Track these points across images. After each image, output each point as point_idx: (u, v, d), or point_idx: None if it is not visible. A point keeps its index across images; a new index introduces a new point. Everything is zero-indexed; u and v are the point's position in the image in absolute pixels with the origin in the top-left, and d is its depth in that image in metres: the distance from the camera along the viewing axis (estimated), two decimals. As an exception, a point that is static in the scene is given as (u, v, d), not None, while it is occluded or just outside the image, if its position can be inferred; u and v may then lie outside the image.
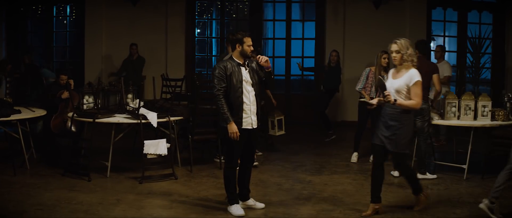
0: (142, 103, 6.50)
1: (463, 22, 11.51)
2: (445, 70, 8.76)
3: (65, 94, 7.06)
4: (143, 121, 6.19)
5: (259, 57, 4.99)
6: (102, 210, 5.14)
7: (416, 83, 4.85)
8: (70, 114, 6.67)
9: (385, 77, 6.78)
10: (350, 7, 11.01)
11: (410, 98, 4.87)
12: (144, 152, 6.06)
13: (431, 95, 6.83)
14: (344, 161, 7.49)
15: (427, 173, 6.59)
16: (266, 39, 12.99)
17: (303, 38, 11.45)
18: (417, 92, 4.85)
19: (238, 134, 4.85)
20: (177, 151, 6.96)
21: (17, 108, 6.84)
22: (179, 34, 11.10)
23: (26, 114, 6.76)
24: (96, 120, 6.22)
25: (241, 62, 5.00)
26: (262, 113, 5.16)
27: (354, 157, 7.45)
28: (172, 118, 6.47)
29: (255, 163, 6.44)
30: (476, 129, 6.58)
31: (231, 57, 5.05)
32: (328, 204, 5.42)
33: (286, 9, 11.47)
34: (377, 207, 5.10)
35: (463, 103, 6.63)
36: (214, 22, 13.00)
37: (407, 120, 4.92)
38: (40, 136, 7.51)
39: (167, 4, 11.02)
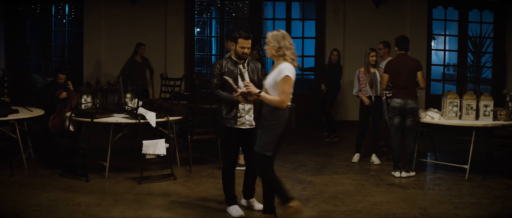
0: (140, 103, 6.44)
1: (464, 21, 11.45)
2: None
3: (63, 95, 7.01)
4: (141, 121, 6.13)
5: (246, 85, 4.53)
6: (100, 211, 5.08)
7: (283, 78, 4.27)
8: (68, 114, 6.61)
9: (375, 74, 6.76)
10: (350, 6, 10.97)
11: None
12: (143, 152, 6.00)
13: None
14: (345, 161, 7.43)
15: (411, 171, 6.56)
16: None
17: (303, 37, 11.40)
18: (283, 89, 4.27)
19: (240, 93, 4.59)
20: (176, 151, 6.90)
21: (15, 108, 6.79)
22: (179, 33, 11.04)
23: (23, 114, 6.70)
24: (94, 120, 6.16)
25: (238, 61, 4.94)
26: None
27: (356, 158, 7.39)
28: (171, 118, 6.41)
29: None
30: (477, 129, 6.52)
31: (230, 56, 5.01)
32: (329, 205, 5.36)
33: (286, 8, 11.43)
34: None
35: (464, 103, 6.58)
36: (213, 21, 12.96)
37: (275, 120, 4.37)
38: (38, 136, 7.46)
39: (166, 3, 10.97)
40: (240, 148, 5.19)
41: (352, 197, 5.65)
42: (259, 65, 5.02)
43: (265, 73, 4.88)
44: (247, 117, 4.94)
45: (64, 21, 11.82)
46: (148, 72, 9.89)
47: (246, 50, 4.85)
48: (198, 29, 12.57)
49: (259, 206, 5.15)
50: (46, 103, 7.23)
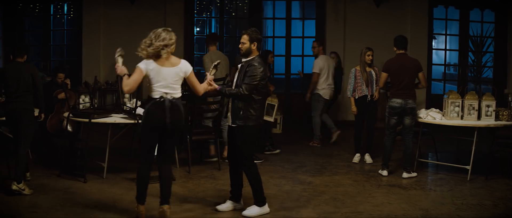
0: (139, 103, 6.38)
1: (465, 20, 11.39)
2: (315, 66, 8.66)
3: (62, 95, 6.94)
4: (140, 121, 6.05)
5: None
6: (98, 212, 5.02)
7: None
8: (66, 114, 6.55)
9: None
10: (351, 5, 10.91)
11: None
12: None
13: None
14: (345, 162, 7.37)
15: (412, 172, 6.51)
16: (266, 38, 12.89)
17: (303, 37, 11.34)
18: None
19: None
20: (175, 152, 6.83)
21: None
22: (178, 32, 10.73)
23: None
24: (92, 120, 6.09)
25: (242, 60, 5.00)
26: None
27: (356, 158, 7.33)
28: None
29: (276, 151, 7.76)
30: (479, 129, 6.46)
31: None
32: (329, 206, 5.29)
33: (286, 7, 11.36)
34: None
35: (466, 103, 6.52)
36: (213, 21, 12.88)
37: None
38: (36, 136, 7.38)
39: (165, 3, 10.91)
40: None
41: (353, 198, 5.58)
42: (253, 68, 4.83)
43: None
44: (230, 115, 5.01)
45: (63, 20, 11.76)
46: None
47: (240, 46, 4.96)
48: (198, 29, 12.51)
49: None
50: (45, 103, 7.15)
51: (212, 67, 5.04)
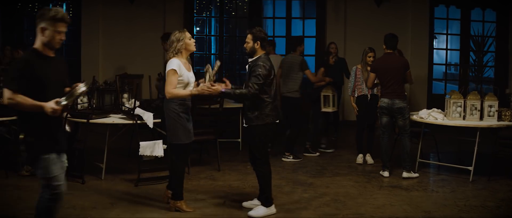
0: (138, 103, 6.31)
1: (466, 20, 11.33)
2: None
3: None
4: (138, 122, 6.00)
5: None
6: (96, 214, 4.96)
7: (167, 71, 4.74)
8: (64, 114, 6.46)
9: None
10: (351, 5, 10.85)
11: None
12: (140, 153, 5.85)
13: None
14: (346, 162, 7.30)
15: (412, 171, 6.45)
16: (266, 37, 12.81)
17: (303, 37, 11.20)
18: (167, 79, 4.74)
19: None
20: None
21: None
22: (177, 32, 10.87)
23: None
24: (90, 121, 6.02)
25: (249, 60, 4.99)
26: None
27: (359, 159, 7.25)
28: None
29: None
30: (481, 130, 6.39)
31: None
32: (330, 208, 5.22)
33: (286, 6, 11.29)
34: (178, 204, 5.01)
35: (468, 103, 6.45)
36: (213, 20, 12.83)
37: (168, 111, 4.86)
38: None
39: (164, 2, 10.85)
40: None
41: (354, 200, 5.51)
42: (257, 67, 4.81)
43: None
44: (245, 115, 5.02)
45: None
46: None
47: (244, 45, 4.98)
48: (198, 28, 12.45)
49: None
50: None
51: (212, 70, 4.95)
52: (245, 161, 7.19)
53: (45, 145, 3.56)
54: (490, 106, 6.43)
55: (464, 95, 6.58)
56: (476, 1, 11.20)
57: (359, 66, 7.27)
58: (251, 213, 4.93)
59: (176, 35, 4.89)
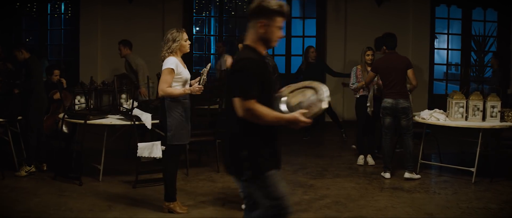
0: (136, 103, 6.23)
1: (467, 19, 11.26)
2: (223, 64, 8.71)
3: (57, 96, 6.79)
4: (136, 123, 5.92)
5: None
6: (93, 216, 4.88)
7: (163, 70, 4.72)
8: (61, 115, 6.40)
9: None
10: (352, 4, 10.78)
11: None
12: (138, 155, 5.75)
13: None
14: (347, 163, 7.22)
15: (414, 172, 6.37)
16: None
17: (303, 36, 11.19)
18: (161, 78, 4.71)
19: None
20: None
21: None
22: (177, 32, 10.79)
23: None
24: (88, 122, 5.94)
25: None
26: None
27: (360, 160, 7.17)
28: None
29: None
30: (484, 130, 6.31)
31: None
32: (331, 211, 5.15)
33: (286, 6, 11.20)
34: (171, 206, 4.95)
35: (471, 103, 6.37)
36: (212, 20, 12.76)
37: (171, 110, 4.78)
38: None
39: (164, 1, 10.77)
40: None
41: (356, 202, 5.43)
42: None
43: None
44: None
45: (60, 19, 11.62)
46: None
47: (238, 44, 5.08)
48: (197, 28, 12.38)
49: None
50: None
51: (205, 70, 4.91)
52: (244, 162, 7.11)
53: (271, 160, 3.07)
54: (493, 107, 6.35)
55: (466, 95, 6.51)
56: (477, 1, 11.13)
57: (359, 66, 7.20)
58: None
59: (173, 34, 4.82)
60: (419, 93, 10.65)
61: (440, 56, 12.31)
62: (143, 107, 6.27)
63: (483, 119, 6.37)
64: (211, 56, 12.65)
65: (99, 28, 10.84)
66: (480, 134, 6.22)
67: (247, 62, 2.94)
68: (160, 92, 4.72)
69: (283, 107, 3.09)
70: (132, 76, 8.18)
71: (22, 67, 6.35)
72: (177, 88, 4.75)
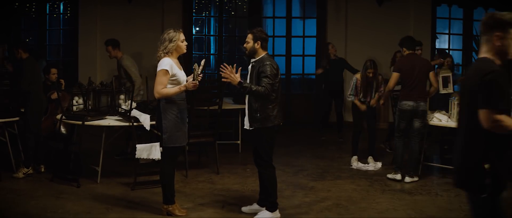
0: (134, 104, 6.16)
1: (468, 19, 11.19)
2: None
3: (55, 96, 6.72)
4: (135, 124, 5.85)
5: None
6: (90, 219, 4.82)
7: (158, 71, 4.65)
8: (59, 116, 6.33)
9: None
10: (352, 4, 10.71)
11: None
12: (137, 156, 5.67)
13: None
14: (348, 165, 7.14)
15: (415, 176, 6.29)
16: (266, 37, 12.67)
17: (303, 36, 11.12)
18: (156, 79, 4.64)
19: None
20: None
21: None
22: (176, 32, 10.71)
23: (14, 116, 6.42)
24: (86, 123, 5.87)
25: (251, 62, 4.86)
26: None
27: (354, 162, 7.09)
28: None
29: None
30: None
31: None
32: (332, 213, 5.08)
33: (286, 6, 11.14)
34: (169, 208, 4.88)
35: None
36: (212, 20, 12.67)
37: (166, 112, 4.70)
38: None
39: (163, 1, 10.69)
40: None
41: (357, 204, 5.36)
42: (267, 68, 4.67)
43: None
44: (245, 118, 4.89)
45: (59, 19, 11.54)
46: None
47: (244, 45, 4.86)
48: (197, 28, 12.30)
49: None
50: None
51: (199, 67, 4.79)
52: (244, 164, 7.06)
53: (507, 178, 2.96)
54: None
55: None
56: (479, 0, 11.05)
57: (358, 76, 7.07)
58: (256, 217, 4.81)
59: (170, 34, 4.74)
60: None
61: (441, 56, 12.22)
62: (141, 108, 6.21)
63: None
64: (211, 56, 12.57)
65: (98, 28, 10.76)
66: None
67: (496, 75, 2.93)
68: (156, 95, 4.66)
69: None
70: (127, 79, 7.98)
71: (19, 67, 6.29)
72: (172, 88, 4.67)
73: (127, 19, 10.65)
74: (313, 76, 11.43)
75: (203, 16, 11.73)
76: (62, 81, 7.16)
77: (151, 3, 10.68)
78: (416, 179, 6.28)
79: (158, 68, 4.65)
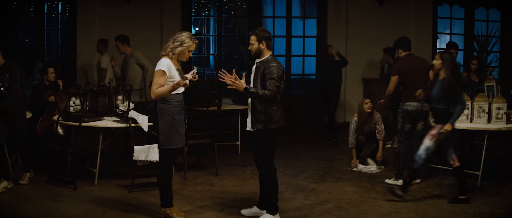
0: (132, 105, 6.07)
1: (470, 19, 11.11)
2: (102, 62, 8.65)
3: (52, 98, 6.63)
4: (132, 125, 5.76)
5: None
6: (87, 222, 4.74)
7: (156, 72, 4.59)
8: (56, 117, 6.24)
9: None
10: (353, 4, 10.64)
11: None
12: (134, 158, 5.58)
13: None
14: (348, 166, 7.07)
15: (417, 178, 6.15)
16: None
17: (303, 36, 11.04)
18: (153, 80, 4.58)
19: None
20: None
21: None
22: (175, 32, 10.48)
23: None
24: (83, 124, 5.78)
25: (255, 62, 4.81)
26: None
27: (355, 164, 7.00)
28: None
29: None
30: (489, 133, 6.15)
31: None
32: (333, 216, 5.00)
33: (286, 6, 11.06)
34: (168, 211, 4.78)
35: (476, 105, 6.21)
36: (211, 20, 12.60)
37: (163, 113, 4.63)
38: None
39: (162, 1, 10.61)
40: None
41: (358, 207, 5.27)
42: (273, 69, 4.62)
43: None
44: (248, 119, 4.82)
45: (58, 19, 11.46)
46: None
47: (249, 47, 4.86)
48: (197, 28, 12.22)
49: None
50: (35, 105, 6.88)
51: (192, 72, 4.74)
52: (244, 165, 6.98)
53: None
54: (498, 108, 6.20)
55: (471, 97, 6.35)
56: (480, 0, 10.98)
57: (356, 118, 6.97)
58: None
59: (185, 39, 4.71)
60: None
61: (442, 56, 12.14)
62: (139, 109, 6.12)
63: (489, 120, 6.21)
64: (210, 56, 12.49)
65: (97, 29, 10.68)
66: (486, 136, 6.06)
67: None
68: (152, 96, 4.60)
69: None
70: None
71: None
72: (167, 87, 4.57)
73: (126, 19, 10.56)
74: (313, 77, 11.37)
75: (203, 16, 11.66)
76: (60, 82, 7.07)
77: (150, 3, 10.60)
78: (418, 181, 6.18)
79: (156, 69, 4.59)
